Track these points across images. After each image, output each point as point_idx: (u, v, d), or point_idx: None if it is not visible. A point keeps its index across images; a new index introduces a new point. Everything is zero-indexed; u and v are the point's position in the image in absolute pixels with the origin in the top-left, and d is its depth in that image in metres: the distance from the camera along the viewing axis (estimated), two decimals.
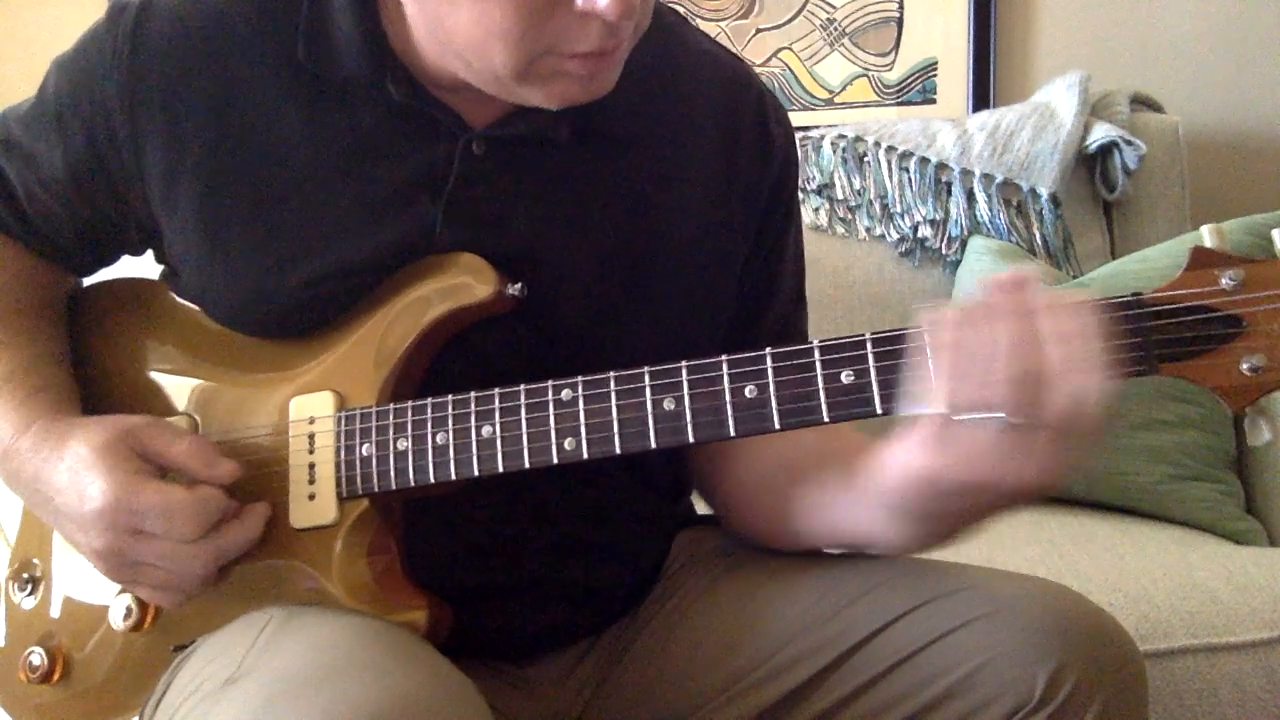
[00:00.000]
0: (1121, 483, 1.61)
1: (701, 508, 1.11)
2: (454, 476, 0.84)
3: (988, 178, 1.90)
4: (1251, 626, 1.27)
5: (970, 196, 1.91)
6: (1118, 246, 1.92)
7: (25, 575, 0.99)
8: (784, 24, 2.18)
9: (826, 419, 0.78)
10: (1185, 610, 1.29)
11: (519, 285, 0.88)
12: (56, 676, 0.95)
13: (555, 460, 0.82)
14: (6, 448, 0.90)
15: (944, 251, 1.91)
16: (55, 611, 0.97)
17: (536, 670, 0.96)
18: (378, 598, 0.86)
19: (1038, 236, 1.88)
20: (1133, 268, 1.70)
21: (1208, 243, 0.73)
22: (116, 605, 0.93)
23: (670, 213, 0.94)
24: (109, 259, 1.03)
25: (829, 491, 0.88)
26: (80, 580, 0.96)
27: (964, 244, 1.90)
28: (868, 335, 0.77)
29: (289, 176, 0.89)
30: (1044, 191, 1.88)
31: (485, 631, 0.92)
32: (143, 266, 1.04)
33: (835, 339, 0.78)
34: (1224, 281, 0.71)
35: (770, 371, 0.79)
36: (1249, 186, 2.07)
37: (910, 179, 1.93)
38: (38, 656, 0.96)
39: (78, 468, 0.85)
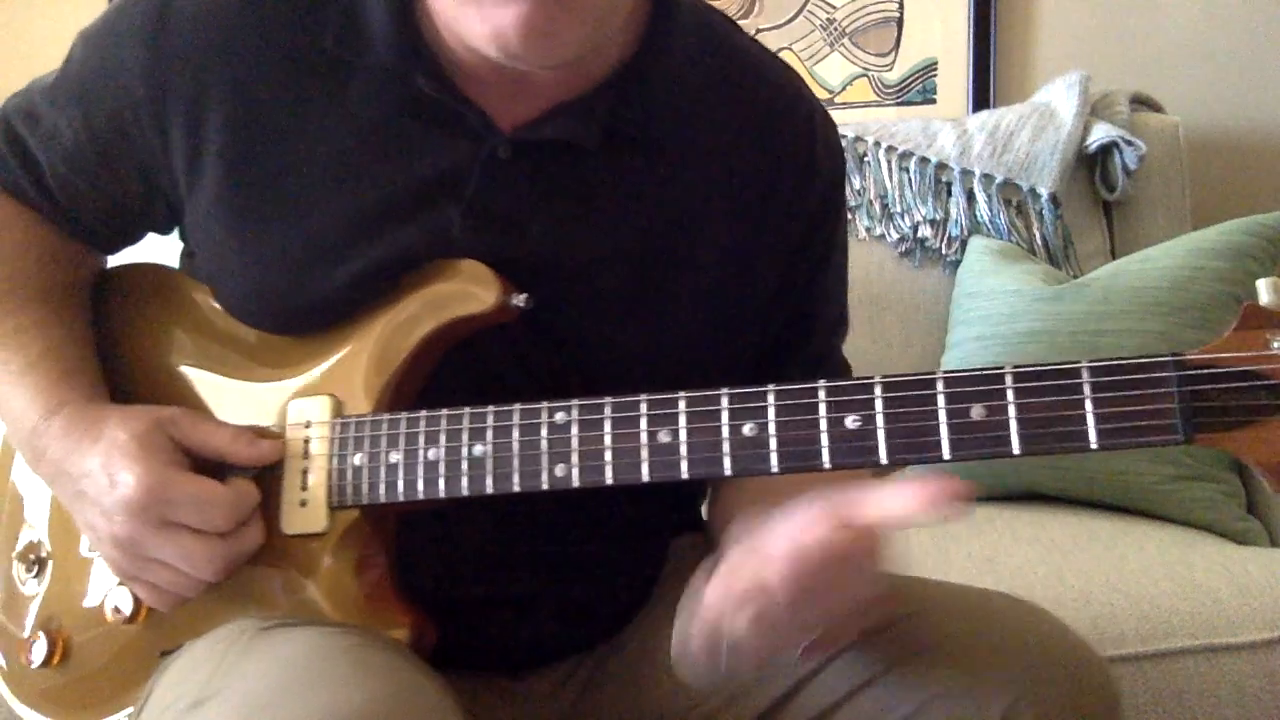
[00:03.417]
0: (1121, 483, 1.61)
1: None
2: (443, 494, 0.83)
3: (988, 178, 1.90)
4: (1252, 627, 1.27)
5: (970, 196, 1.91)
6: (1118, 246, 1.92)
7: (32, 557, 0.99)
8: (784, 24, 2.18)
9: (827, 465, 0.74)
10: (1185, 610, 1.28)
11: (524, 296, 0.85)
12: (56, 661, 0.95)
13: (545, 486, 0.80)
14: (35, 426, 0.89)
15: (944, 251, 1.91)
16: (59, 595, 0.97)
17: (528, 684, 0.95)
18: (363, 611, 0.85)
19: (1038, 236, 1.88)
20: (1133, 268, 1.70)
21: (1264, 299, 0.66)
22: (112, 597, 0.92)
23: (695, 228, 0.90)
24: (134, 237, 1.02)
25: None
26: (83, 567, 0.96)
27: (964, 244, 1.90)
28: (877, 379, 0.73)
29: (309, 168, 0.87)
30: (1044, 191, 1.88)
31: (477, 644, 0.91)
32: (165, 247, 1.02)
33: (844, 381, 0.75)
34: (1276, 345, 0.65)
35: (771, 410, 0.75)
36: (1249, 186, 2.07)
37: (910, 179, 1.93)
38: (40, 639, 0.95)
39: (112, 453, 0.84)
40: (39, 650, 0.95)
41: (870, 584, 0.72)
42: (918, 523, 0.66)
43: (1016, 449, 0.69)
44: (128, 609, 0.91)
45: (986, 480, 1.68)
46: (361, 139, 0.87)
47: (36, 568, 0.98)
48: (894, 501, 0.67)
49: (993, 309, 1.75)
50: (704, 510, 1.09)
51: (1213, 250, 1.66)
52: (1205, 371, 0.66)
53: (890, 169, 1.94)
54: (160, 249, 1.04)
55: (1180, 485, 1.59)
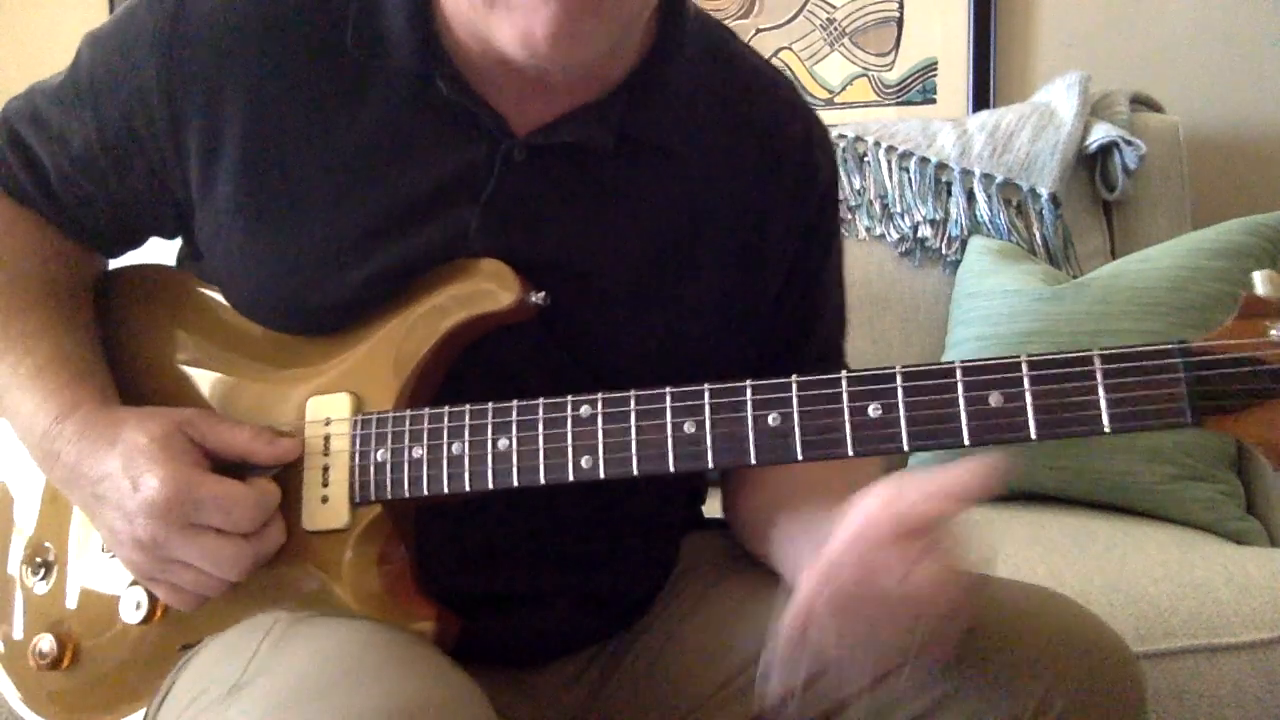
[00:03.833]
0: (1121, 483, 1.61)
1: (709, 510, 1.10)
2: (468, 488, 0.83)
3: (988, 178, 1.90)
4: (1251, 627, 1.27)
5: (970, 196, 1.91)
6: (1118, 246, 1.93)
7: (38, 559, 0.98)
8: (784, 24, 2.18)
9: (851, 452, 0.75)
10: (1185, 610, 1.29)
11: (542, 294, 0.86)
12: (66, 663, 0.95)
13: (571, 478, 0.81)
14: (47, 430, 0.88)
15: (944, 251, 1.91)
16: (67, 598, 0.96)
17: (543, 676, 0.96)
18: (385, 606, 0.86)
19: (1038, 236, 1.88)
20: (1133, 268, 1.70)
21: (1259, 290, 0.69)
22: (127, 597, 0.92)
23: (703, 230, 0.92)
24: (138, 240, 1.01)
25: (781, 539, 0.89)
26: (93, 568, 0.95)
27: (964, 244, 1.90)
28: (898, 369, 0.75)
29: (326, 169, 0.88)
30: (1044, 191, 1.88)
31: (493, 638, 0.92)
32: (161, 249, 1.02)
33: (865, 371, 0.76)
34: (1274, 333, 0.68)
35: (795, 400, 0.77)
36: (1249, 186, 2.08)
37: (910, 179, 1.93)
38: (47, 643, 0.95)
39: (133, 456, 0.84)
40: (47, 653, 0.95)
41: (945, 583, 0.72)
42: (968, 499, 0.69)
43: (1034, 434, 0.72)
44: (144, 609, 0.91)
45: None
46: (378, 140, 0.88)
47: (43, 570, 0.98)
48: (951, 477, 0.70)
49: (993, 309, 1.75)
50: (704, 511, 1.09)
51: (1212, 250, 1.66)
52: (1209, 358, 0.69)
53: (890, 169, 1.94)
54: (156, 252, 1.03)
55: (1180, 485, 1.59)
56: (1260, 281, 0.70)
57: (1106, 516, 1.60)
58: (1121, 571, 1.35)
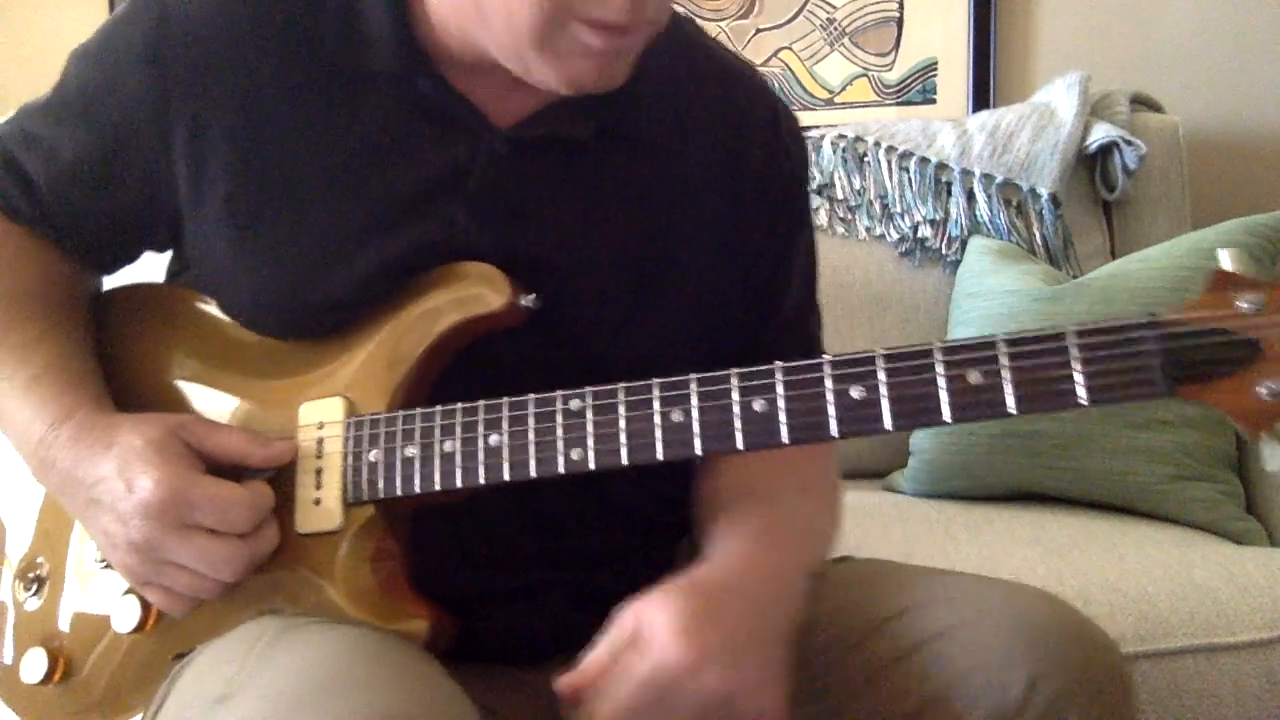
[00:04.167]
0: (1121, 483, 1.61)
1: None
2: (460, 485, 0.84)
3: (988, 178, 1.90)
4: (1251, 626, 1.28)
5: (970, 196, 1.91)
6: (1118, 246, 1.93)
7: (31, 575, 0.99)
8: (784, 24, 2.18)
9: (836, 435, 0.77)
10: (1185, 610, 1.29)
11: (533, 296, 0.87)
12: (57, 678, 0.95)
13: (561, 470, 0.82)
14: (42, 437, 0.89)
15: (944, 251, 1.91)
16: (59, 612, 0.97)
17: (541, 674, 0.96)
18: (380, 606, 0.86)
19: (1038, 236, 1.88)
20: (1133, 268, 1.70)
21: (1226, 265, 0.71)
22: (120, 607, 0.92)
23: (683, 220, 0.94)
24: (133, 253, 1.02)
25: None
26: (86, 580, 0.96)
27: (964, 244, 1.90)
28: (878, 351, 0.76)
29: (314, 173, 0.89)
30: (1044, 191, 1.88)
31: (491, 636, 0.92)
32: (156, 271, 1.03)
33: (846, 355, 0.78)
34: (1242, 305, 0.70)
35: (780, 386, 0.78)
36: (1249, 186, 2.08)
37: (910, 179, 1.93)
38: (39, 657, 0.95)
39: (129, 459, 0.84)
40: (37, 667, 0.95)
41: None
42: None
43: (1013, 409, 0.72)
44: (136, 618, 0.91)
45: (986, 480, 1.68)
46: (368, 140, 0.89)
47: (35, 586, 0.98)
48: None
49: (993, 309, 1.75)
50: None
51: (1212, 250, 1.66)
52: (1180, 329, 0.70)
53: (890, 169, 1.95)
54: (148, 271, 1.04)
55: (1180, 485, 1.59)
56: (1226, 257, 0.72)
57: (1106, 516, 1.60)
58: (1121, 571, 1.36)
